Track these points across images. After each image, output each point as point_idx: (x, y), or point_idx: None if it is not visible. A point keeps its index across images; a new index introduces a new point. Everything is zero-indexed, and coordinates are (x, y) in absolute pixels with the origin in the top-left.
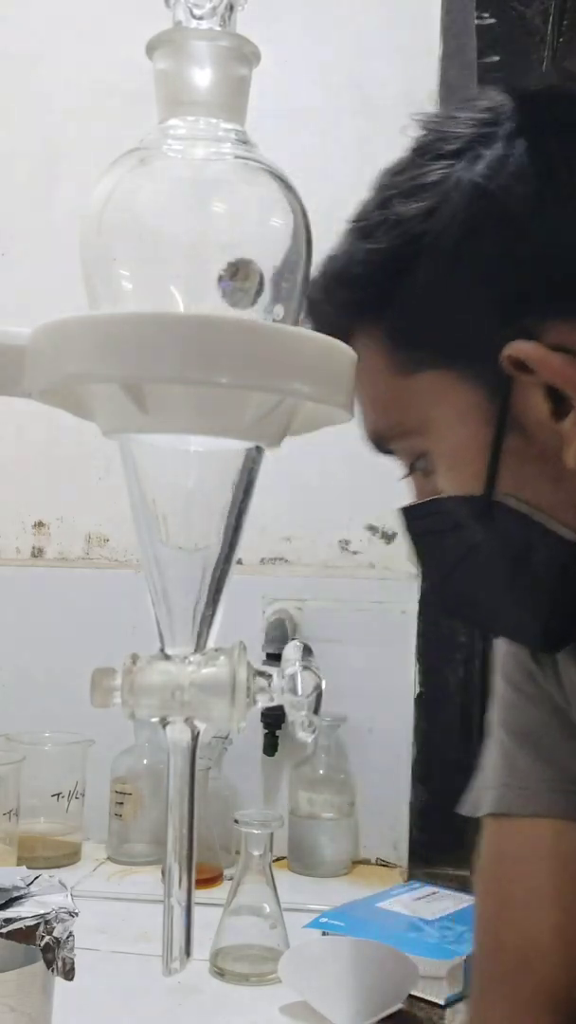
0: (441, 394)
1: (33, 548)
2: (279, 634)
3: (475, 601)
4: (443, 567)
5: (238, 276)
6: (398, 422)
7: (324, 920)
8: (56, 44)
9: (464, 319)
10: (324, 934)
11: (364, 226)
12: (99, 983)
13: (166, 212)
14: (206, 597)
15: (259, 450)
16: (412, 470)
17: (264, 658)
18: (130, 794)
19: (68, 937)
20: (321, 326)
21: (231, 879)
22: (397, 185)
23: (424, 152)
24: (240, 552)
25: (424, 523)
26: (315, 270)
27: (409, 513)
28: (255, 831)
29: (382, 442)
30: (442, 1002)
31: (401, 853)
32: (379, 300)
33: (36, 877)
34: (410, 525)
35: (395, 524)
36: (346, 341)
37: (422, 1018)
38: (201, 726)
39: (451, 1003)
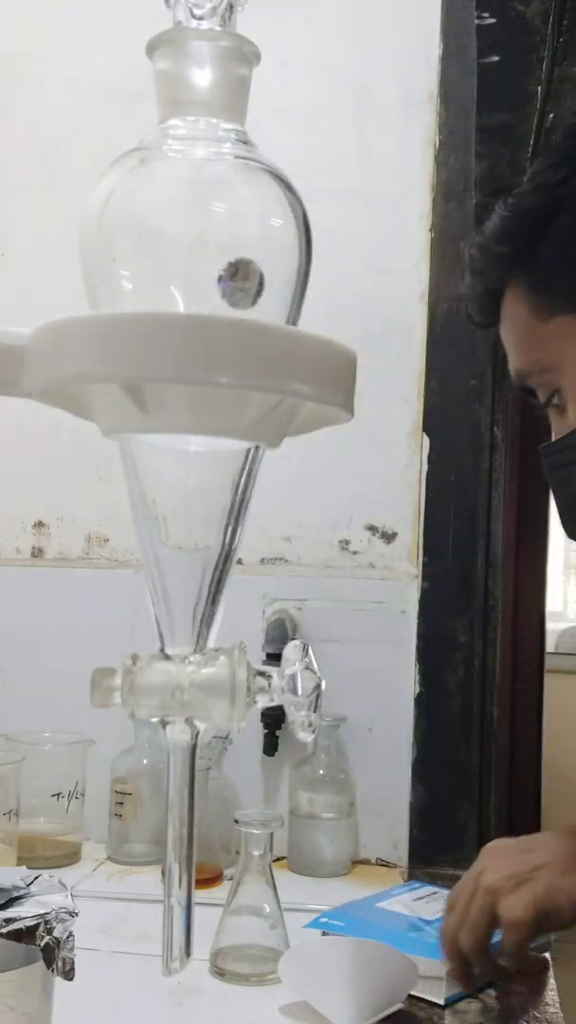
0: (572, 334)
1: (33, 548)
2: (279, 634)
3: None
4: (571, 494)
5: (238, 276)
6: (536, 360)
7: (324, 920)
8: (56, 44)
9: None
10: (324, 934)
11: (516, 194)
12: (99, 983)
13: (166, 212)
14: (206, 597)
15: (259, 450)
16: (548, 406)
17: (264, 658)
18: (130, 794)
19: (68, 937)
20: (480, 281)
21: (231, 879)
22: (544, 159)
23: (568, 135)
24: (240, 552)
25: (557, 457)
26: (475, 235)
27: (546, 450)
28: (255, 831)
29: (523, 380)
30: (442, 1002)
31: (401, 853)
32: (524, 253)
33: (36, 877)
34: (546, 461)
35: (395, 524)
36: (501, 293)
37: (422, 1018)
38: (201, 726)
39: (451, 1003)
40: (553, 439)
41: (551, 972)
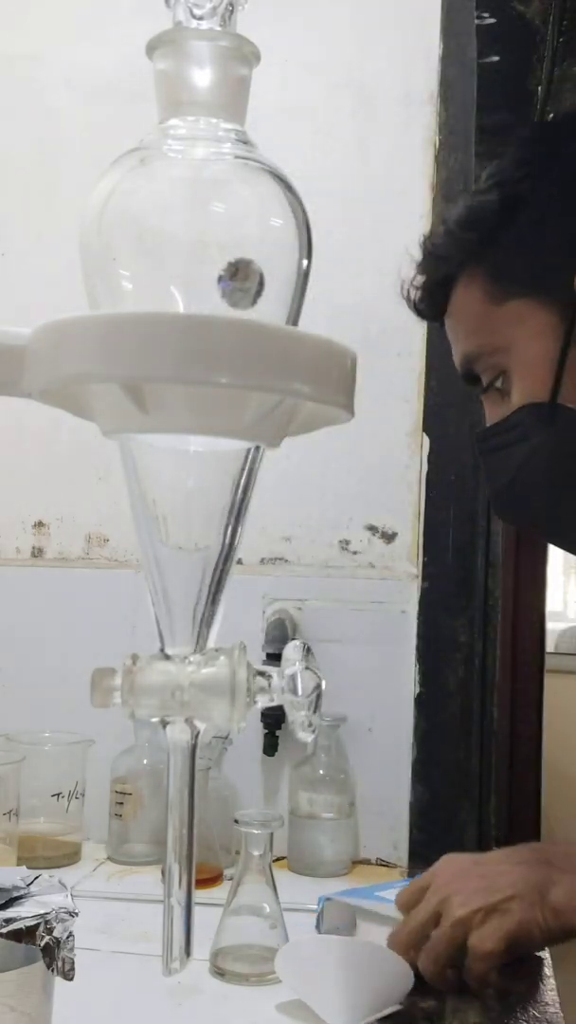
0: (524, 317)
1: (33, 548)
2: (279, 634)
3: (534, 501)
4: (507, 474)
5: (238, 276)
6: (487, 342)
7: (327, 896)
8: (56, 44)
9: (548, 257)
10: (328, 899)
11: (481, 187)
12: (99, 983)
13: (166, 212)
14: (206, 597)
15: (259, 450)
16: (489, 389)
17: (264, 658)
18: (130, 794)
19: (68, 937)
20: (441, 266)
21: (231, 879)
22: (504, 160)
23: (521, 144)
24: (240, 552)
25: (495, 440)
26: (436, 223)
27: (483, 434)
28: (255, 831)
29: (470, 364)
30: None
31: (401, 853)
32: (487, 241)
33: (36, 877)
34: (482, 445)
35: (395, 524)
36: (454, 282)
37: (421, 1019)
38: (201, 726)
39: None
40: (488, 424)
41: (551, 972)
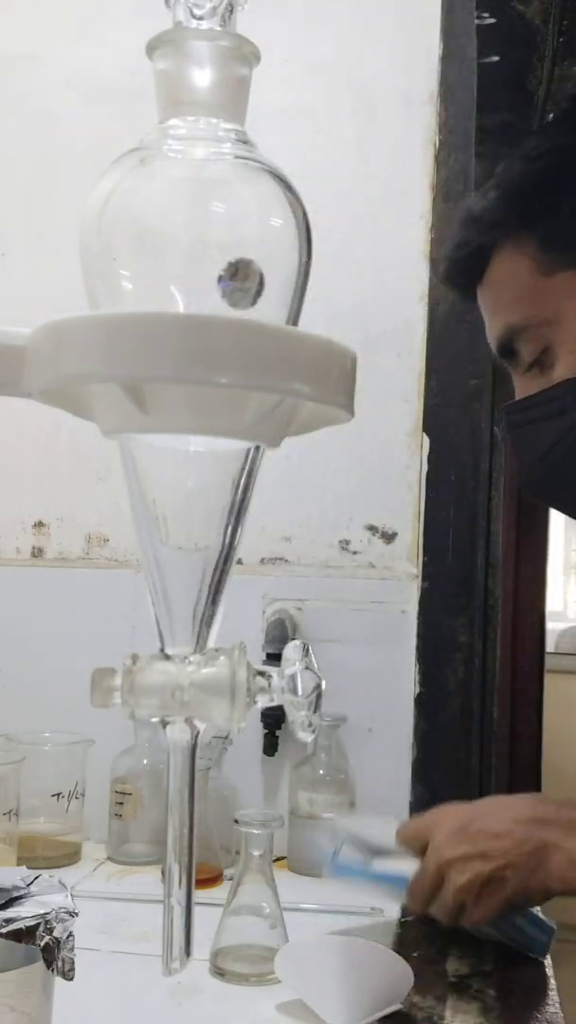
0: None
1: (33, 548)
2: (279, 634)
3: (566, 478)
4: (539, 449)
5: (238, 276)
6: (534, 315)
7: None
8: (56, 44)
9: None
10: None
11: (531, 152)
12: (99, 983)
13: (166, 212)
14: (206, 597)
15: (259, 450)
16: (530, 368)
17: (264, 658)
18: (130, 794)
19: (68, 937)
20: (477, 236)
21: (231, 879)
22: (559, 120)
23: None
24: (240, 552)
25: (528, 414)
26: (481, 189)
27: (514, 407)
28: (255, 831)
29: (512, 337)
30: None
31: None
32: (542, 208)
33: (36, 877)
34: (512, 418)
35: (395, 524)
36: (490, 253)
37: (421, 1019)
38: (201, 726)
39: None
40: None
41: (551, 972)
